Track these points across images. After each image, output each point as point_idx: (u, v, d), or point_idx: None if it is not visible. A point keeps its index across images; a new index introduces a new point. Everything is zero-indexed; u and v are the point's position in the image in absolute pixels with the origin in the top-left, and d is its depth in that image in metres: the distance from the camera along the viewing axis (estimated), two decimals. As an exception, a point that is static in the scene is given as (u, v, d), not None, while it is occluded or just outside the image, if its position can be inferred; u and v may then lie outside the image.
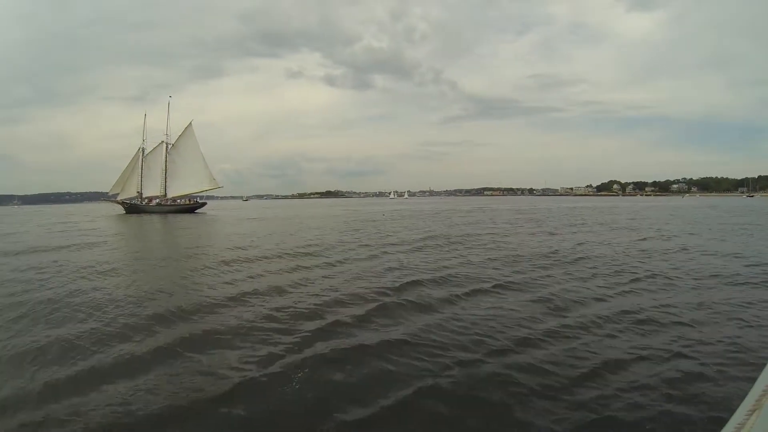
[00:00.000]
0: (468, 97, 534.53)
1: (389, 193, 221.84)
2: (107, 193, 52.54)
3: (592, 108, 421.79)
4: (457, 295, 6.79)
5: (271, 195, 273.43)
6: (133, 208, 47.98)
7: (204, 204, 51.97)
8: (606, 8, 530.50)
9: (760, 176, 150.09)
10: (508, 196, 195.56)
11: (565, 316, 5.66)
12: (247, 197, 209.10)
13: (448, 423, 3.24)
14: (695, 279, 8.00)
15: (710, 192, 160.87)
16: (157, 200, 49.42)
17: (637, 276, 8.24)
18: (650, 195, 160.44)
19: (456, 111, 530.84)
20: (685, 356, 4.30)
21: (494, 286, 7.40)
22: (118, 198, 49.43)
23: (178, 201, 49.72)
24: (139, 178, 49.40)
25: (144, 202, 49.01)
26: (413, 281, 7.89)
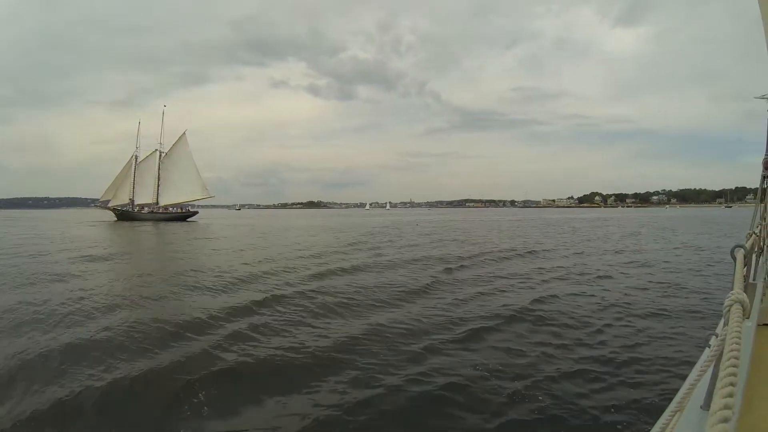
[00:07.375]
0: (452, 109, 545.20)
1: (366, 205, 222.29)
2: (98, 199, 52.35)
3: (576, 121, 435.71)
4: None
5: (252, 204, 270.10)
6: (124, 215, 48.23)
7: (196, 213, 52.56)
8: (592, 24, 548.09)
9: (737, 187, 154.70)
10: (491, 208, 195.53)
11: None
12: (240, 206, 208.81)
13: None
14: None
15: (689, 203, 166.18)
16: (149, 208, 49.90)
17: None
18: (631, 206, 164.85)
19: (439, 123, 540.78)
20: None
21: None
22: (110, 204, 49.41)
23: (170, 209, 50.31)
24: (132, 185, 49.73)
25: (136, 210, 49.39)
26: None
